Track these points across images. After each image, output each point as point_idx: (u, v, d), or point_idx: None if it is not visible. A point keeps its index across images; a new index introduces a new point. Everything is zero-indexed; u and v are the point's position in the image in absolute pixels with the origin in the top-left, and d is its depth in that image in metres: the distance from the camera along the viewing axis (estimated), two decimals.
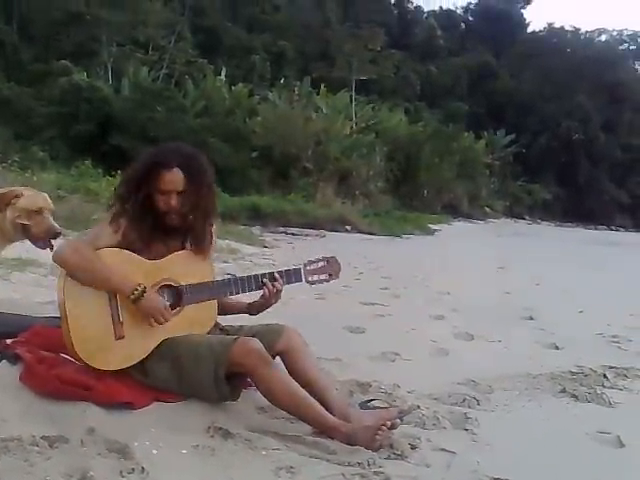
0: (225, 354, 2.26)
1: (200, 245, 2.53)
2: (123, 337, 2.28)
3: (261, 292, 2.60)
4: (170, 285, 2.41)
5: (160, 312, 2.31)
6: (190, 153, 2.51)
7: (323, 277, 2.71)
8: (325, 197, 21.17)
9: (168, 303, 2.38)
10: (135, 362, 2.33)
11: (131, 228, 2.40)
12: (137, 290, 2.26)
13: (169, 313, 2.34)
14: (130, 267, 2.33)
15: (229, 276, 2.87)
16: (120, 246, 2.37)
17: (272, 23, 51.12)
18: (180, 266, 2.45)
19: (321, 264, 2.72)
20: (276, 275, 2.59)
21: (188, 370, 2.32)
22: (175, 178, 2.40)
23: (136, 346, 2.32)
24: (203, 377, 2.29)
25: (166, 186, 2.39)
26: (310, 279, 2.68)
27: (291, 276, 2.63)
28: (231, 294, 2.54)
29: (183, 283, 2.42)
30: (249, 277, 2.57)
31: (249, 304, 2.69)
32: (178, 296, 2.41)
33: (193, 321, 2.44)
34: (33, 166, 13.94)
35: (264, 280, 2.56)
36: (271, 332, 2.45)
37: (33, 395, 2.18)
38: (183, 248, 2.53)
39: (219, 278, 2.64)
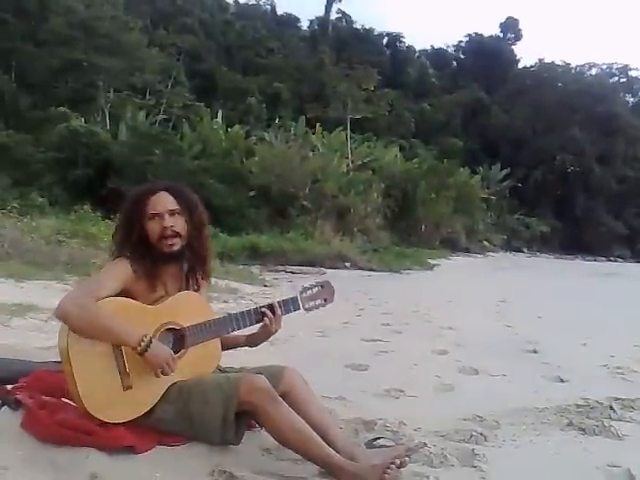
0: (234, 395, 2.24)
1: (205, 267, 2.56)
2: (131, 387, 2.24)
3: (259, 325, 2.58)
4: (172, 328, 2.38)
5: (167, 362, 2.25)
6: (172, 181, 2.56)
7: (319, 302, 2.70)
8: (323, 234, 21.23)
9: (173, 351, 2.34)
10: (145, 411, 2.28)
11: (134, 271, 2.37)
12: (143, 341, 2.20)
13: (175, 362, 2.29)
14: (132, 315, 2.29)
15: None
16: (122, 293, 2.33)
17: (267, 66, 52.01)
18: (180, 308, 2.42)
19: (316, 290, 2.71)
20: (275, 305, 2.58)
21: (196, 412, 2.28)
22: (163, 199, 2.41)
23: (144, 395, 2.29)
24: (212, 419, 2.26)
25: (156, 208, 2.39)
26: (307, 306, 2.67)
27: (289, 305, 2.62)
28: (233, 330, 2.51)
29: (185, 325, 2.38)
30: (248, 311, 2.55)
31: (248, 336, 2.66)
32: (181, 339, 2.38)
33: (198, 362, 2.42)
34: (32, 212, 13.98)
35: (263, 311, 2.54)
36: (272, 374, 2.41)
37: (35, 441, 2.15)
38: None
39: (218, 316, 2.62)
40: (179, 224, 2.41)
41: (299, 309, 2.65)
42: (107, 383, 2.22)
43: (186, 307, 2.44)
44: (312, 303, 2.68)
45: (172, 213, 2.40)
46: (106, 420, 2.21)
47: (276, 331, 2.59)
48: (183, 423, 2.30)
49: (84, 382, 2.18)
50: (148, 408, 2.29)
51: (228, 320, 2.49)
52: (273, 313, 2.54)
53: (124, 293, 2.34)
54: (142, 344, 2.19)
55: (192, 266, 2.54)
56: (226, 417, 2.25)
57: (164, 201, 2.40)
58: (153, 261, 2.40)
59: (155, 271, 2.41)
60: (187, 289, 2.53)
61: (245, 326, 2.52)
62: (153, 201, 2.39)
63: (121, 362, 2.23)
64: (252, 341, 2.66)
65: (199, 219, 2.49)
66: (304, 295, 2.67)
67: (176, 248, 2.41)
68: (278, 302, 2.60)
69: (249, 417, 2.34)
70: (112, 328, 2.20)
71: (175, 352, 2.35)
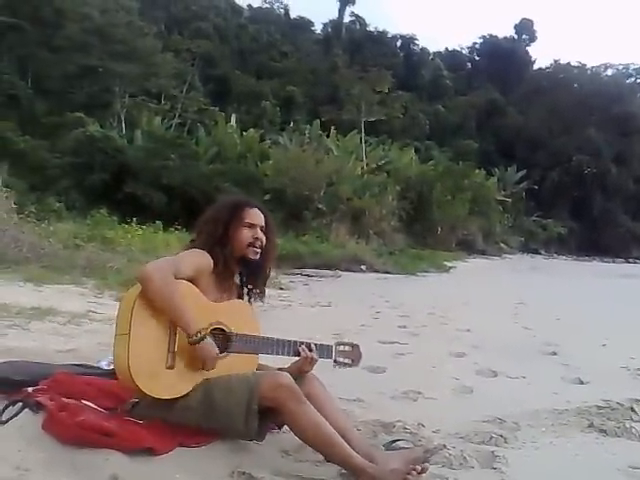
0: (257, 387, 2.28)
1: (263, 287, 2.73)
2: (173, 368, 2.32)
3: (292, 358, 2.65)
4: (222, 329, 2.47)
5: (211, 361, 2.36)
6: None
7: (347, 361, 2.77)
8: (339, 237, 21.19)
9: (218, 351, 2.41)
10: (176, 396, 2.34)
11: (213, 264, 2.50)
12: (199, 335, 2.31)
13: (215, 363, 2.39)
14: (194, 303, 2.39)
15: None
16: (193, 280, 2.43)
17: (281, 69, 52.20)
18: (235, 314, 2.54)
19: (348, 348, 2.79)
20: (312, 346, 2.65)
21: (220, 401, 2.33)
22: (259, 214, 2.67)
23: (181, 379, 2.35)
24: (234, 408, 2.30)
25: (253, 220, 2.63)
26: (338, 359, 2.75)
27: (324, 351, 2.70)
28: (271, 353, 2.59)
29: (234, 330, 2.48)
30: (289, 342, 2.62)
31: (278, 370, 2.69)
32: (226, 341, 2.47)
33: (234, 368, 2.46)
34: (49, 216, 14.06)
35: (302, 348, 2.62)
36: (292, 378, 2.42)
37: (56, 443, 2.16)
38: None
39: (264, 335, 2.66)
40: (264, 241, 2.63)
41: (330, 358, 2.73)
42: (155, 355, 2.31)
43: (239, 315, 2.56)
44: (342, 359, 2.76)
45: (262, 229, 2.65)
46: (142, 388, 2.27)
47: (308, 371, 2.61)
48: (206, 412, 2.34)
49: (136, 346, 2.26)
50: (179, 394, 2.34)
51: (271, 343, 2.59)
52: (310, 353, 2.61)
53: (195, 282, 2.45)
54: (196, 336, 2.31)
55: (253, 282, 2.72)
56: (250, 406, 2.28)
57: (260, 217, 2.67)
58: (228, 264, 2.56)
59: (229, 274, 2.59)
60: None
61: (282, 354, 2.61)
62: (251, 213, 2.64)
63: (173, 342, 2.33)
64: None
65: (273, 244, 2.72)
66: (339, 348, 2.77)
67: (255, 256, 2.62)
68: (315, 344, 2.68)
69: (272, 417, 2.35)
70: (180, 309, 2.32)
71: (219, 352, 2.43)
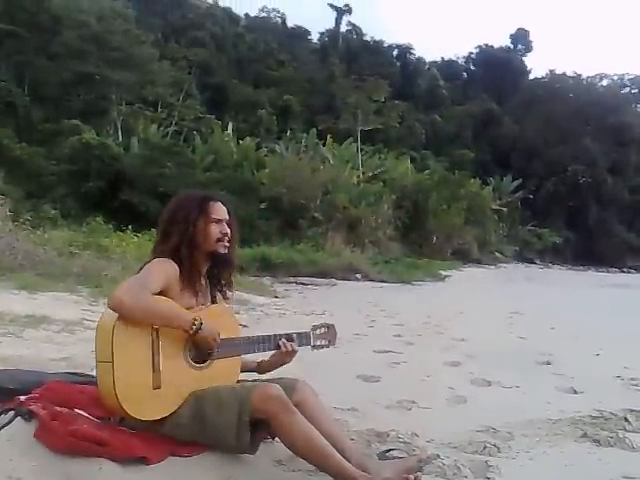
0: (248, 400, 2.26)
1: (231, 277, 2.70)
2: (159, 387, 2.29)
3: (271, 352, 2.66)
4: None
5: (217, 338, 2.36)
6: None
7: (324, 342, 2.80)
8: (334, 246, 21.24)
9: (200, 361, 2.40)
10: (166, 414, 2.31)
11: (180, 274, 2.45)
12: (195, 323, 2.30)
13: (219, 339, 2.38)
14: None
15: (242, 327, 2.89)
16: (163, 292, 2.39)
17: (277, 78, 52.32)
18: (213, 319, 2.48)
19: (323, 330, 2.81)
20: (293, 336, 2.65)
21: (210, 416, 2.30)
22: (222, 208, 2.61)
23: (168, 398, 2.32)
24: (225, 423, 2.27)
25: (220, 215, 2.57)
26: (315, 344, 2.77)
27: (302, 339, 2.71)
28: (255, 352, 2.58)
29: None
30: (269, 337, 2.62)
31: (258, 363, 2.71)
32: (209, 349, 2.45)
33: (219, 375, 2.45)
34: (45, 224, 14.04)
35: (282, 342, 2.62)
36: (284, 386, 2.41)
37: (48, 452, 2.14)
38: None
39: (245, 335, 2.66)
40: (229, 235, 2.59)
41: (309, 344, 2.75)
42: (140, 378, 2.27)
43: (218, 320, 2.51)
44: (319, 342, 2.78)
45: (227, 223, 2.59)
46: (132, 414, 2.25)
47: (289, 362, 2.65)
48: (197, 427, 2.31)
49: (121, 372, 2.22)
50: (168, 413, 2.32)
51: (252, 342, 2.57)
52: (290, 343, 2.62)
53: (161, 294, 2.40)
54: (194, 326, 2.29)
55: (222, 275, 2.68)
56: (240, 419, 2.25)
57: (224, 210, 2.60)
58: (195, 264, 2.52)
59: (197, 274, 2.53)
60: (214, 297, 2.64)
61: (265, 350, 2.61)
62: (216, 207, 2.58)
63: (157, 362, 2.29)
64: (264, 368, 2.72)
65: (236, 235, 2.66)
66: (315, 333, 2.78)
67: (225, 251, 2.57)
68: (295, 334, 2.68)
69: (264, 428, 2.34)
70: (165, 311, 2.30)
71: (202, 362, 2.42)
